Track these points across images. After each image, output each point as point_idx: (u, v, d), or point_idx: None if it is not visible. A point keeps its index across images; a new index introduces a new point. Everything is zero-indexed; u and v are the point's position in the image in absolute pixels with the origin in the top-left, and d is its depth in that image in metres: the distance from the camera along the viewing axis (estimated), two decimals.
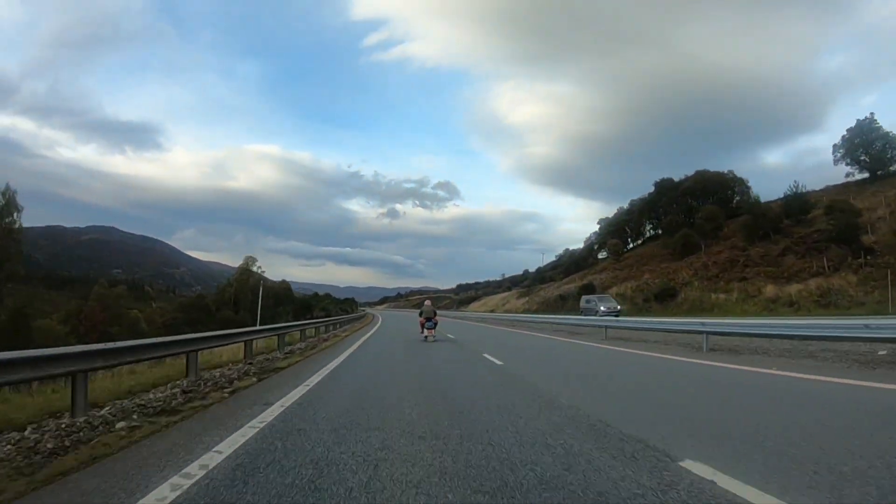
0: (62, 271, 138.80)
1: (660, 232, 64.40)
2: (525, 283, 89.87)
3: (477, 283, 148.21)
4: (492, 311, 62.64)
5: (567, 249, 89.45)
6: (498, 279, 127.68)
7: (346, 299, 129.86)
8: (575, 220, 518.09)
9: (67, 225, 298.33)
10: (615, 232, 71.62)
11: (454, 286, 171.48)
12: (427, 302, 17.55)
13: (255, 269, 74.85)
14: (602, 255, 72.23)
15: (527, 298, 67.82)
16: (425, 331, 15.41)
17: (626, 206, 73.34)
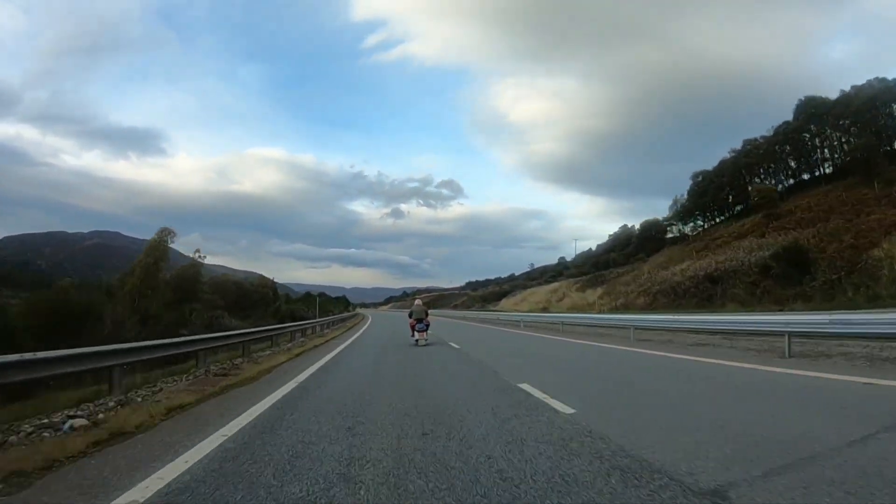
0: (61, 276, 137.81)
1: (826, 171, 50.14)
2: (583, 270, 72.05)
3: (488, 280, 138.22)
4: (544, 310, 45.65)
5: (625, 227, 78.53)
6: (520, 272, 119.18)
7: (338, 298, 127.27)
8: (580, 217, 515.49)
9: (70, 231, 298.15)
10: (700, 193, 58.53)
11: (463, 283, 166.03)
12: (417, 302, 16.37)
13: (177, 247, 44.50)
14: (677, 230, 62.40)
15: (602, 289, 53.17)
16: (416, 333, 14.10)
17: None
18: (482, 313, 48.57)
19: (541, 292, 70.04)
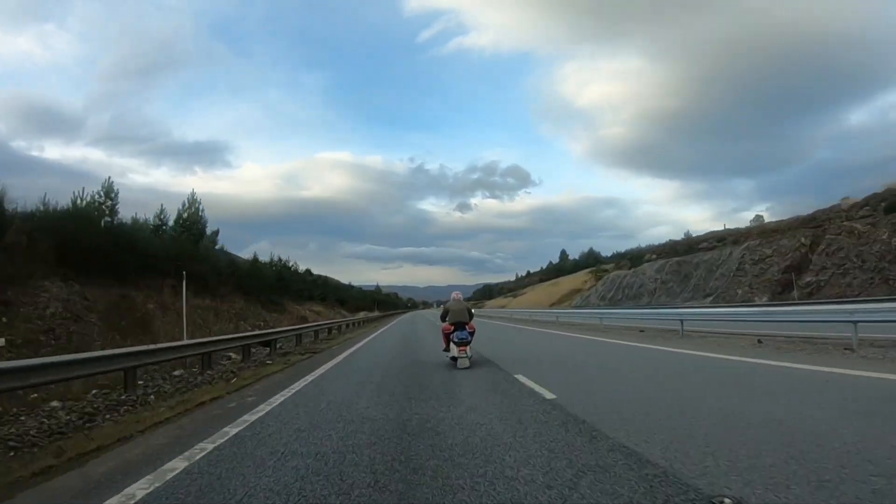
0: None
1: None
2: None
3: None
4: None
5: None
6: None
7: (387, 294, 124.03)
8: (654, 203, 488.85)
9: None
10: None
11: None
12: (456, 295, 9.99)
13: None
14: None
15: None
16: (454, 347, 8.75)
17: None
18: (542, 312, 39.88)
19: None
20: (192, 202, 27.62)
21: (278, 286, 35.13)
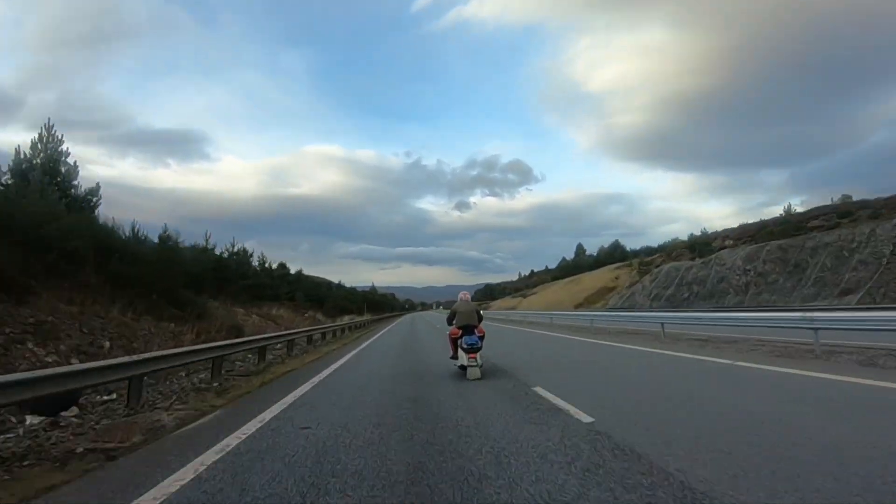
0: None
1: None
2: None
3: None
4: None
5: None
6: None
7: (383, 295, 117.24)
8: (665, 198, 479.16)
9: None
10: None
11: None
12: (463, 295, 9.04)
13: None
14: None
15: None
16: (463, 355, 8.01)
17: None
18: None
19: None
20: (49, 132, 18.14)
21: (216, 280, 25.81)
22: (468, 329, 8.17)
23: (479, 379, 7.44)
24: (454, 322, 8.52)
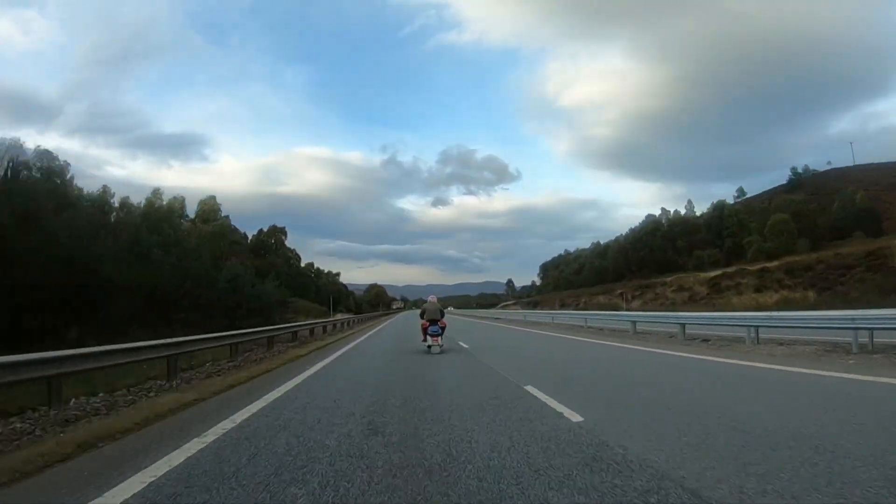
0: None
1: None
2: None
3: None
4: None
5: None
6: None
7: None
8: (633, 205, 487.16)
9: None
10: None
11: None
12: (431, 298, 13.19)
13: None
14: None
15: None
16: (429, 338, 11.78)
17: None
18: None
19: None
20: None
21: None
22: (433, 322, 11.89)
23: (440, 352, 11.38)
24: (424, 317, 12.22)
